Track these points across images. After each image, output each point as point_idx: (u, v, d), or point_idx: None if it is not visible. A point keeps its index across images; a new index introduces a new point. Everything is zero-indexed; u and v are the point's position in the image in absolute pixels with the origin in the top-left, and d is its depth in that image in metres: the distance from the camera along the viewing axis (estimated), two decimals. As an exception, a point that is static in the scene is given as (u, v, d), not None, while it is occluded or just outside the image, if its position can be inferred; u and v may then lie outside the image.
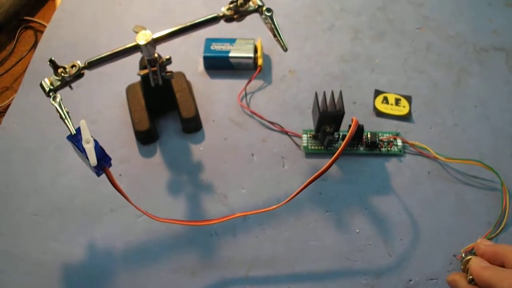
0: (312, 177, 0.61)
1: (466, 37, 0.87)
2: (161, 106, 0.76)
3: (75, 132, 0.53)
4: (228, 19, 0.67)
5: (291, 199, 0.62)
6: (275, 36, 0.64)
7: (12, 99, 0.81)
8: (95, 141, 0.52)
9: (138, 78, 0.72)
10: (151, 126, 0.74)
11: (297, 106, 0.79)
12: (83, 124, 0.52)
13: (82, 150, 0.51)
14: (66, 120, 0.55)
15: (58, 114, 0.55)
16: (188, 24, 0.66)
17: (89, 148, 0.50)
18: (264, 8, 0.63)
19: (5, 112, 0.79)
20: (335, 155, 0.62)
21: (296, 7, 0.92)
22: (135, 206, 0.57)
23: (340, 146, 0.70)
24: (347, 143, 0.63)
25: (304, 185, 0.62)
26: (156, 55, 0.64)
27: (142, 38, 0.61)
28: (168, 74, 0.68)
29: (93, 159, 0.50)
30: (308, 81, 0.82)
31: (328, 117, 0.68)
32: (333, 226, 0.68)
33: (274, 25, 0.63)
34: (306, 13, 0.91)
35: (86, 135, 0.52)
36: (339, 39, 0.87)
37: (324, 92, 0.69)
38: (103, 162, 0.53)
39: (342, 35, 0.88)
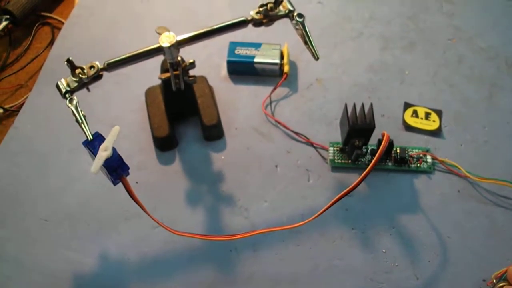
0: (340, 194, 0.58)
1: (498, 50, 0.84)
2: (182, 111, 0.74)
3: (91, 137, 0.51)
4: (257, 23, 0.64)
5: (317, 217, 0.59)
6: (306, 43, 0.61)
7: (26, 98, 0.79)
8: (113, 148, 0.49)
9: (158, 81, 0.70)
10: (171, 132, 0.71)
11: (324, 117, 0.76)
12: (115, 131, 0.49)
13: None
14: (82, 125, 0.52)
15: (74, 118, 0.52)
16: (215, 27, 0.62)
17: (101, 156, 0.47)
18: (295, 14, 0.60)
19: (18, 111, 0.77)
20: (365, 172, 0.58)
21: (324, 13, 0.89)
22: (152, 218, 0.54)
23: (368, 161, 0.68)
24: (378, 159, 0.60)
25: (331, 203, 0.58)
26: (179, 58, 0.61)
27: (166, 40, 0.58)
28: (191, 78, 0.65)
29: (96, 167, 0.47)
30: (336, 90, 0.79)
31: (358, 131, 0.65)
32: (359, 244, 0.65)
33: (306, 31, 0.60)
34: (334, 20, 0.88)
35: (108, 142, 0.48)
36: (368, 48, 0.84)
37: (354, 104, 0.65)
38: (120, 171, 0.50)
39: (371, 44, 0.85)
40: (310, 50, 0.62)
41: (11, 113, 0.79)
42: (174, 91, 0.67)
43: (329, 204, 0.58)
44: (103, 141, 0.49)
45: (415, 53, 0.84)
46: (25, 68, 0.84)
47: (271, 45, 0.79)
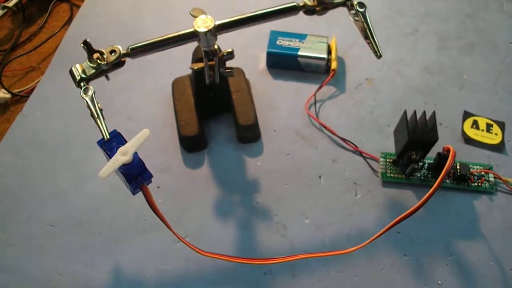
0: (397, 219, 0.53)
1: None
2: (214, 107, 0.69)
3: (108, 136, 0.45)
4: (309, 10, 0.57)
5: (368, 244, 0.54)
6: (367, 38, 0.55)
7: (38, 82, 0.75)
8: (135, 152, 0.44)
9: (187, 71, 0.65)
10: (200, 131, 0.66)
11: (375, 122, 0.70)
12: (142, 135, 0.43)
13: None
14: (98, 120, 0.47)
15: (89, 111, 0.47)
16: (260, 12, 0.55)
17: (118, 161, 0.42)
18: (355, 2, 0.55)
19: (28, 96, 0.73)
20: (428, 194, 0.53)
21: (374, 4, 0.83)
22: (176, 235, 0.50)
23: (423, 177, 0.64)
24: (443, 178, 0.54)
25: (385, 229, 0.53)
26: (216, 46, 0.56)
27: (202, 24, 0.53)
28: (227, 71, 0.59)
29: (106, 172, 0.41)
30: (388, 93, 0.73)
31: (418, 143, 0.60)
32: (412, 274, 0.59)
33: (368, 24, 0.55)
34: (386, 13, 0.82)
35: (130, 146, 0.43)
36: (423, 47, 0.78)
37: (415, 112, 0.60)
38: (141, 179, 0.45)
39: (427, 43, 0.79)
40: (372, 46, 0.56)
41: (20, 99, 0.75)
42: (207, 85, 0.61)
43: (382, 230, 0.54)
44: (122, 142, 0.45)
45: (474, 56, 0.78)
46: (38, 49, 0.80)
47: (318, 37, 0.74)
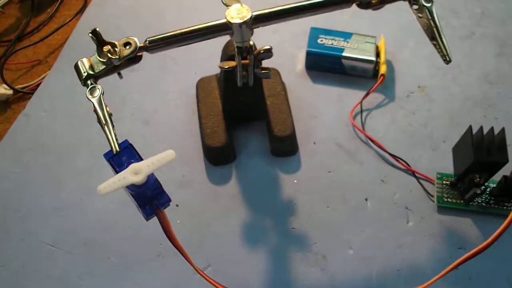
0: (463, 258, 0.46)
1: None
2: (244, 113, 0.65)
3: (117, 149, 0.41)
4: (364, 3, 0.51)
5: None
6: (433, 38, 0.50)
7: (44, 77, 0.72)
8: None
9: (215, 70, 0.62)
10: (228, 141, 0.62)
11: (429, 137, 0.66)
12: (166, 157, 0.38)
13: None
14: (106, 127, 0.43)
15: (96, 116, 0.43)
16: (306, 2, 0.50)
17: (126, 180, 0.37)
18: None
19: (32, 93, 0.70)
20: (503, 226, 0.46)
21: None
22: (195, 268, 0.45)
23: (485, 203, 0.59)
24: None
25: (448, 269, 0.47)
26: (251, 42, 0.52)
27: (236, 14, 0.48)
28: (263, 71, 0.55)
29: (107, 188, 0.37)
30: (443, 104, 0.69)
31: (484, 164, 0.55)
32: None
33: (435, 22, 0.49)
34: (439, 12, 0.76)
35: (147, 166, 0.37)
36: (481, 53, 0.73)
37: (482, 128, 0.56)
38: (157, 203, 0.41)
39: (485, 48, 0.74)
40: (439, 48, 0.50)
41: (23, 96, 0.71)
42: (238, 87, 0.58)
43: (444, 272, 0.48)
44: (134, 157, 0.40)
45: (539, 64, 0.72)
46: (46, 40, 0.76)
47: (365, 36, 0.69)
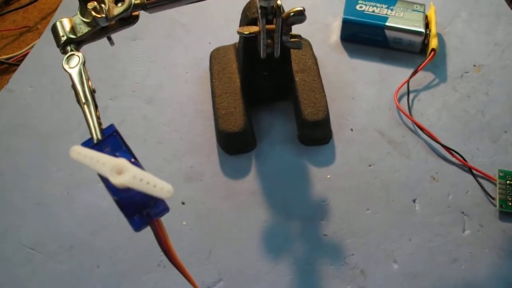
0: None
1: None
2: (267, 92, 0.61)
3: (99, 137, 0.36)
4: None
5: None
6: None
7: (32, 46, 0.68)
8: (136, 163, 0.34)
9: (233, 38, 0.60)
10: (247, 125, 0.58)
11: (487, 126, 0.62)
12: (162, 190, 0.32)
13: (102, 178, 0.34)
14: (85, 107, 0.39)
15: (74, 92, 0.39)
16: None
17: (98, 164, 0.33)
18: None
19: (18, 65, 0.67)
20: None
21: None
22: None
23: None
24: None
25: None
26: (279, 1, 0.48)
27: None
28: (293, 40, 0.51)
29: (78, 155, 0.33)
30: (504, 86, 0.65)
31: None
32: None
33: None
34: None
35: (134, 178, 0.31)
36: None
37: None
38: (149, 211, 0.35)
39: None
40: None
41: (8, 68, 0.68)
42: (262, 59, 0.53)
43: None
44: (119, 147, 0.35)
45: None
46: (38, 4, 0.74)
47: (412, 4, 0.65)
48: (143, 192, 0.32)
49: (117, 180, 0.32)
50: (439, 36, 0.67)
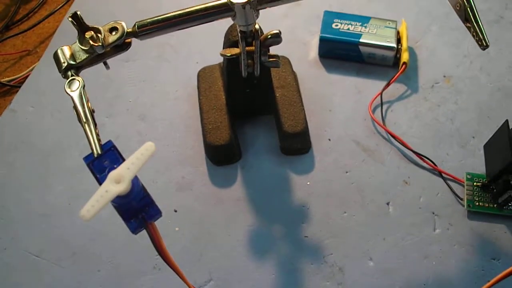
0: (503, 274, 0.43)
1: None
2: (251, 107, 0.64)
3: (98, 151, 0.39)
4: None
5: None
6: (467, 20, 0.47)
7: (32, 69, 0.70)
8: (136, 178, 0.36)
9: (218, 59, 0.62)
10: (233, 138, 0.61)
11: (456, 133, 0.64)
12: (146, 151, 0.35)
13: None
14: (86, 126, 0.41)
15: (75, 113, 0.42)
16: None
17: (109, 192, 0.34)
18: None
19: (19, 87, 0.68)
20: None
21: None
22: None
23: None
24: None
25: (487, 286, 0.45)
26: (256, 26, 0.50)
27: None
28: (272, 60, 0.53)
29: (91, 210, 0.34)
30: (472, 95, 0.68)
31: None
32: None
33: (470, 1, 0.47)
34: None
35: (127, 170, 0.34)
36: (510, 39, 0.71)
37: None
38: (144, 216, 0.38)
39: None
40: (474, 32, 0.47)
41: (9, 90, 0.70)
42: (243, 78, 0.56)
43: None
44: (117, 160, 0.38)
45: None
46: (36, 29, 0.75)
47: (384, 21, 0.68)
48: (138, 167, 0.35)
49: (122, 187, 0.34)
50: (411, 49, 0.69)
